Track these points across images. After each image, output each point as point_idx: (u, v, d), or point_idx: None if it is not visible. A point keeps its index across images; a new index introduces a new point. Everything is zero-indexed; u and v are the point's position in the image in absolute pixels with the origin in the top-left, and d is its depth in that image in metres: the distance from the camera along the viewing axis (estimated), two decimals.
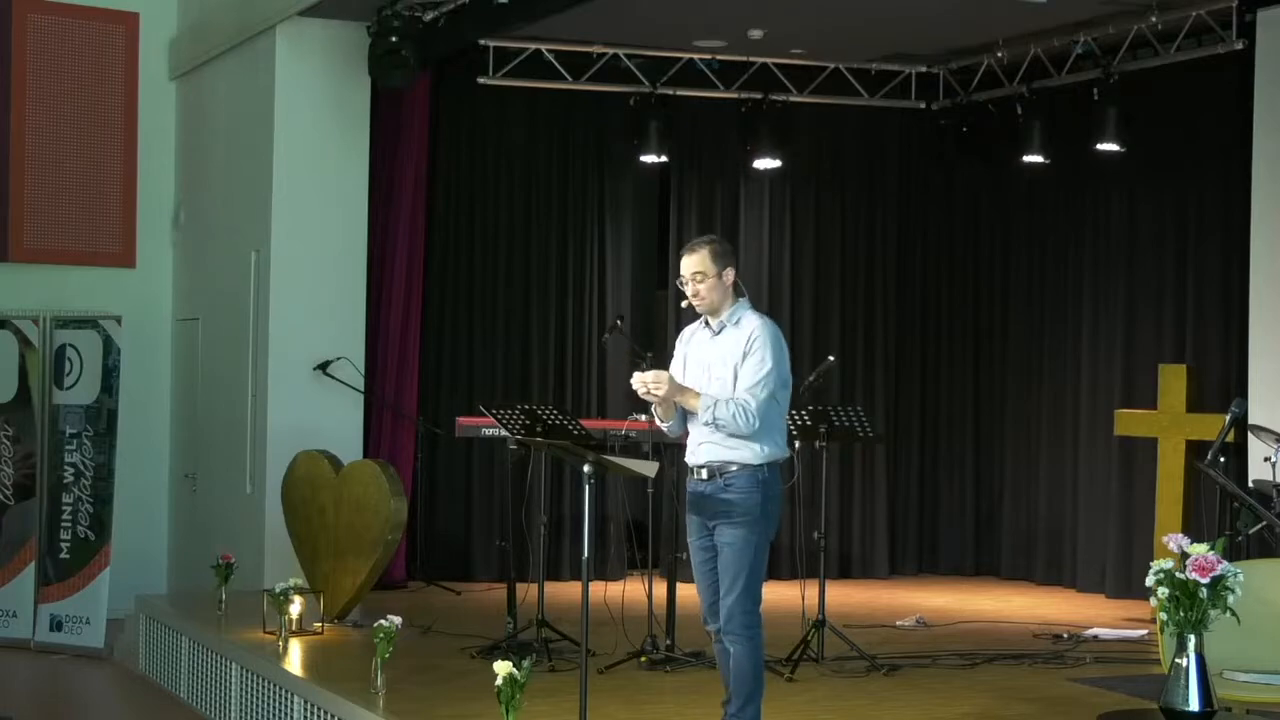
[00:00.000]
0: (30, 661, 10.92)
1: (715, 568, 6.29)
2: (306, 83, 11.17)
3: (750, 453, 6.21)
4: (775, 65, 12.25)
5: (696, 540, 6.37)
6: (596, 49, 11.89)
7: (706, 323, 6.41)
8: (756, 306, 6.48)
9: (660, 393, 6.22)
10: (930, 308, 13.13)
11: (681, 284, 6.37)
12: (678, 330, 6.67)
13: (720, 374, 6.27)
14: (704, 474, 6.29)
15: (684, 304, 6.42)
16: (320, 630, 9.23)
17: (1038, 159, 11.70)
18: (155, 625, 10.19)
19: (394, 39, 10.42)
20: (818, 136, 12.69)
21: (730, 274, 6.32)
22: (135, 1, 12.56)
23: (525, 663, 6.34)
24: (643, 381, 6.25)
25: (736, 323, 6.31)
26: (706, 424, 6.23)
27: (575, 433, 8.39)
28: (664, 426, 6.49)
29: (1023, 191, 12.45)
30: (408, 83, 10.84)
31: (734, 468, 6.22)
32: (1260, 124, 9.93)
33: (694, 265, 6.32)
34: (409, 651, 8.37)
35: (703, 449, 6.30)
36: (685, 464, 6.43)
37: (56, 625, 11.17)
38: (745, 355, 6.20)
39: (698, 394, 6.26)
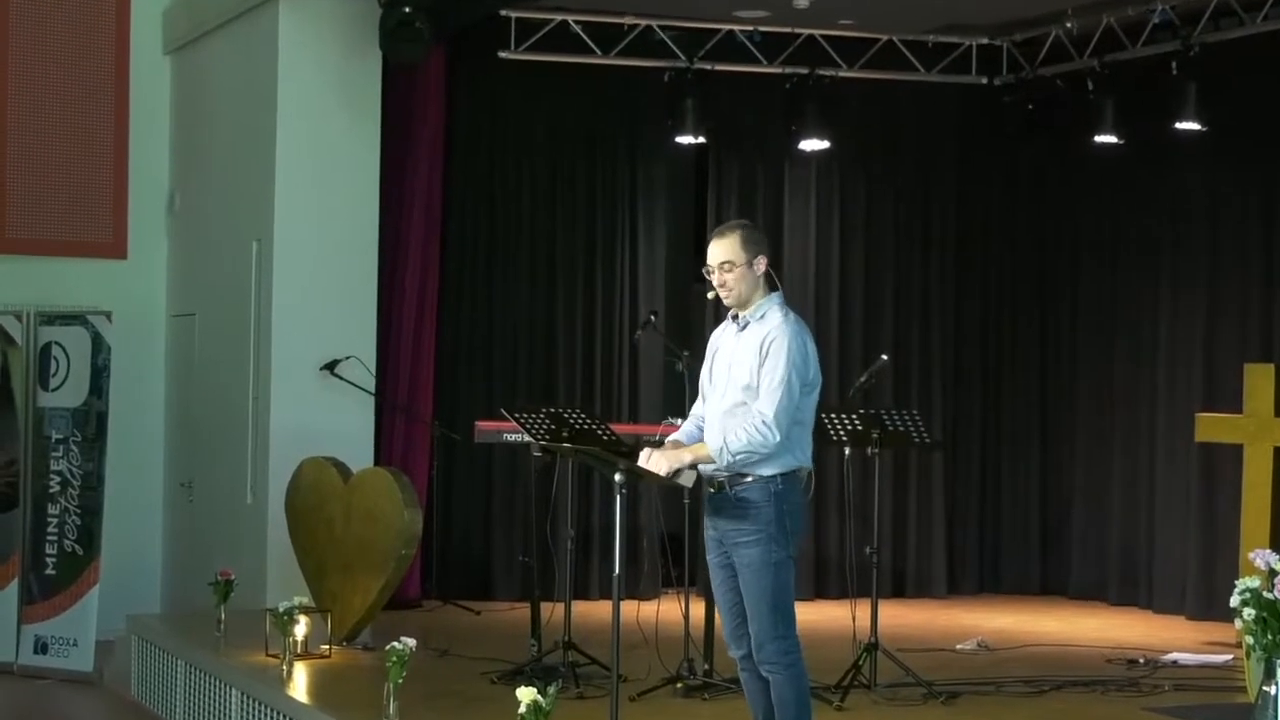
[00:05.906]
0: (13, 687, 10.97)
1: (736, 587, 6.29)
2: (312, 57, 11.19)
3: (763, 462, 6.20)
4: (823, 37, 12.25)
5: (714, 558, 6.38)
6: (628, 20, 11.89)
7: (734, 317, 6.40)
8: (790, 303, 6.45)
9: (662, 472, 6.20)
10: (992, 303, 13.11)
11: (708, 273, 6.36)
12: (717, 325, 6.65)
13: (739, 374, 6.27)
14: (714, 485, 6.29)
15: (710, 295, 6.42)
16: (327, 653, 9.24)
17: (1110, 139, 11.68)
18: (148, 647, 10.23)
19: (407, 10, 10.45)
20: (869, 115, 12.68)
21: (761, 263, 6.31)
22: None
23: (550, 689, 6.39)
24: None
25: (761, 318, 6.30)
26: (728, 465, 6.15)
27: (605, 438, 8.40)
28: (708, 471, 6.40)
29: (1094, 175, 12.42)
30: (422, 57, 10.87)
31: (747, 479, 6.21)
32: None
33: (722, 253, 6.30)
34: (424, 676, 8.38)
35: None
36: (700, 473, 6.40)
37: (42, 647, 11.21)
38: (763, 360, 6.20)
39: (702, 445, 6.25)
